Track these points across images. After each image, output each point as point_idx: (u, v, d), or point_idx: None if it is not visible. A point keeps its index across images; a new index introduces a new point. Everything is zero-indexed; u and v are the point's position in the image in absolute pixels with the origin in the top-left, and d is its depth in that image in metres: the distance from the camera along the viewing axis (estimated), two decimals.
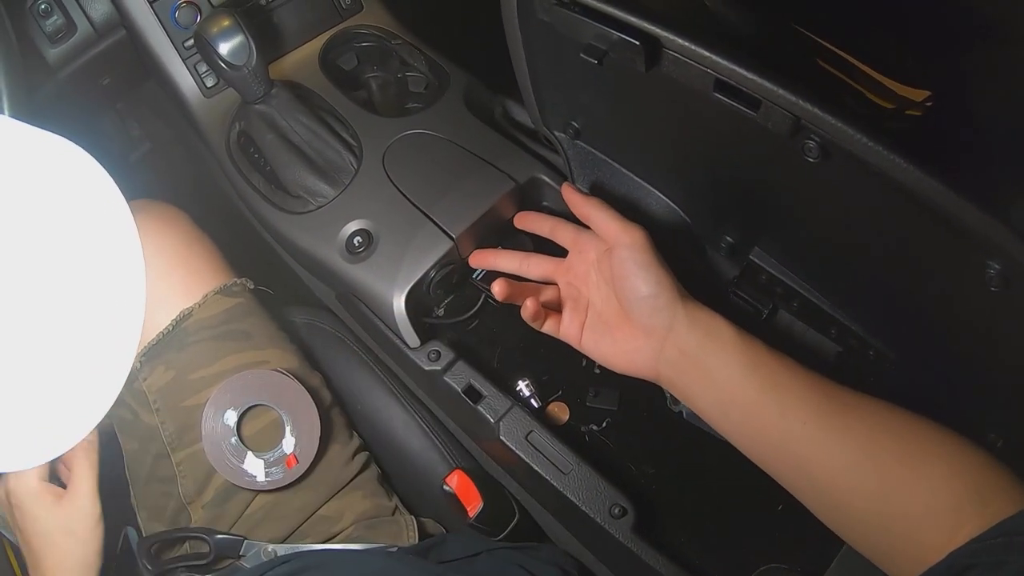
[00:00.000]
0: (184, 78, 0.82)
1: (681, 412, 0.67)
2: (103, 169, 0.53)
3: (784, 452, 0.51)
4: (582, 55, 0.51)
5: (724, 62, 0.47)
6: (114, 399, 0.53)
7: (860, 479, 0.47)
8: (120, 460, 0.75)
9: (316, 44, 0.85)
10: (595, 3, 0.50)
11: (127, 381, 0.72)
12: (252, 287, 0.78)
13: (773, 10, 0.90)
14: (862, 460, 0.47)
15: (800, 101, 0.45)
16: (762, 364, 0.52)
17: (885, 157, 0.44)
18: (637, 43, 0.48)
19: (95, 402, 0.51)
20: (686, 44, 0.47)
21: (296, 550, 0.68)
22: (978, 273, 0.46)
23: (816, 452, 0.49)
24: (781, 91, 0.46)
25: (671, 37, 0.48)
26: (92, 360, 0.51)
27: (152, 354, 0.73)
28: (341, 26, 0.87)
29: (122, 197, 0.54)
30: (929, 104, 0.91)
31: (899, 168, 0.44)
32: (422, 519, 0.74)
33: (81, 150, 0.52)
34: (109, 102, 1.09)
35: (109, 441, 0.77)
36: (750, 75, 0.46)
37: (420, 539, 0.71)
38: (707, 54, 0.47)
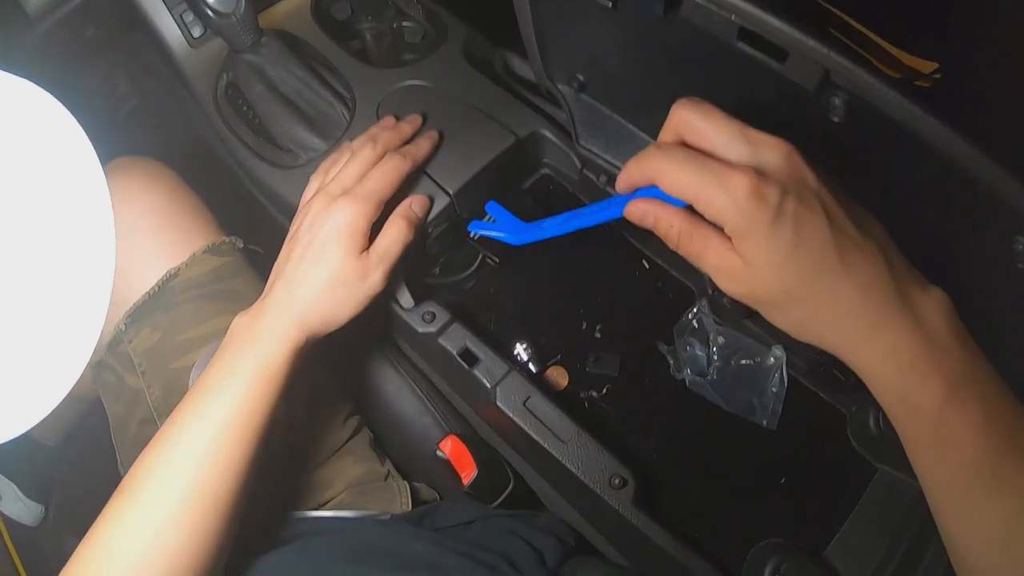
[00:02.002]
0: (169, 28, 0.78)
1: (684, 380, 0.65)
2: (68, 113, 0.50)
3: (932, 508, 0.45)
4: None
5: (751, 8, 0.43)
6: (85, 362, 0.50)
7: (984, 557, 0.42)
8: (107, 427, 0.73)
9: None
10: None
11: (112, 344, 0.70)
12: (241, 246, 0.76)
13: None
14: (995, 542, 0.42)
15: (831, 53, 0.42)
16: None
17: (918, 116, 0.42)
18: None
19: (63, 367, 0.49)
20: None
21: (288, 517, 0.66)
22: (1005, 248, 0.44)
23: (953, 517, 0.43)
24: (811, 42, 0.43)
25: None
26: (59, 319, 0.49)
27: (137, 315, 0.70)
28: None
29: (89, 144, 0.51)
30: (937, 76, 0.89)
31: (932, 128, 0.42)
32: (415, 484, 0.72)
33: (45, 93, 0.49)
34: (94, 56, 1.05)
35: (92, 409, 0.75)
36: (778, 23, 0.43)
37: (413, 505, 0.69)
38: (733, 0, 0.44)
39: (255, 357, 0.56)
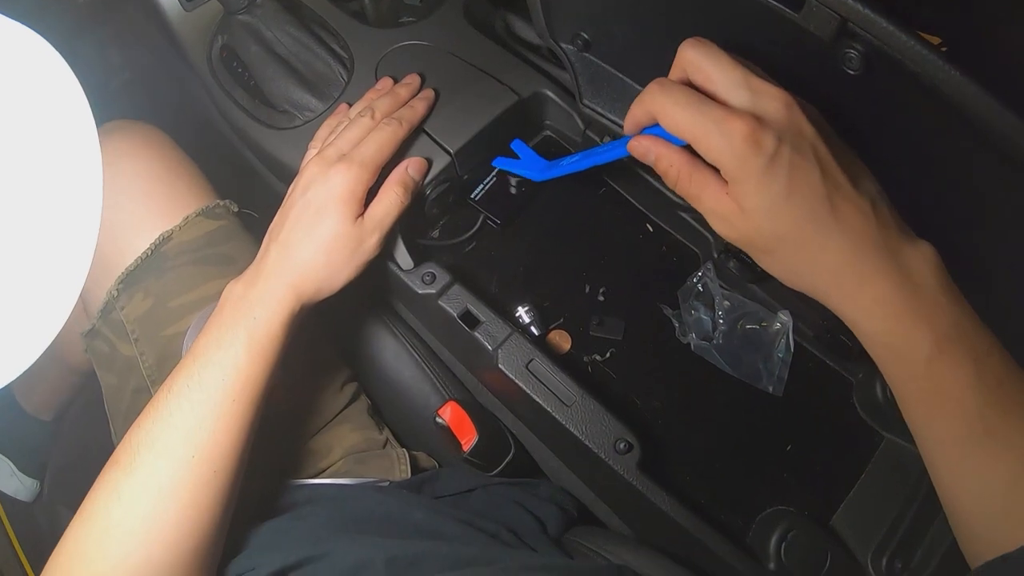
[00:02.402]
0: None
1: (689, 344, 0.63)
2: (64, 62, 0.48)
3: (928, 466, 0.46)
4: None
5: None
6: (68, 311, 0.49)
7: (980, 512, 0.43)
8: (100, 399, 0.72)
9: None
10: None
11: (104, 311, 0.69)
12: (236, 209, 0.74)
13: None
14: (990, 498, 0.42)
15: (848, 0, 0.41)
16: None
17: (939, 67, 0.40)
18: None
19: (46, 317, 0.47)
20: None
21: (286, 485, 0.65)
22: None
23: (950, 470, 0.44)
24: None
25: None
26: (42, 265, 0.47)
27: (130, 280, 0.69)
28: None
29: (82, 93, 0.49)
30: (942, 50, 0.88)
31: (953, 81, 0.40)
32: (414, 452, 0.71)
33: (42, 41, 0.47)
34: (87, 25, 1.03)
35: (86, 381, 0.74)
36: None
37: (413, 473, 0.68)
38: None
39: (250, 324, 0.55)
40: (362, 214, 0.59)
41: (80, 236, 0.48)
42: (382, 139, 0.61)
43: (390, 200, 0.60)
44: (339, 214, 0.58)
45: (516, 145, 0.67)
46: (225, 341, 0.54)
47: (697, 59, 0.43)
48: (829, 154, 0.41)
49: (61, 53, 1.13)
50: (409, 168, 0.62)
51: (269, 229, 0.61)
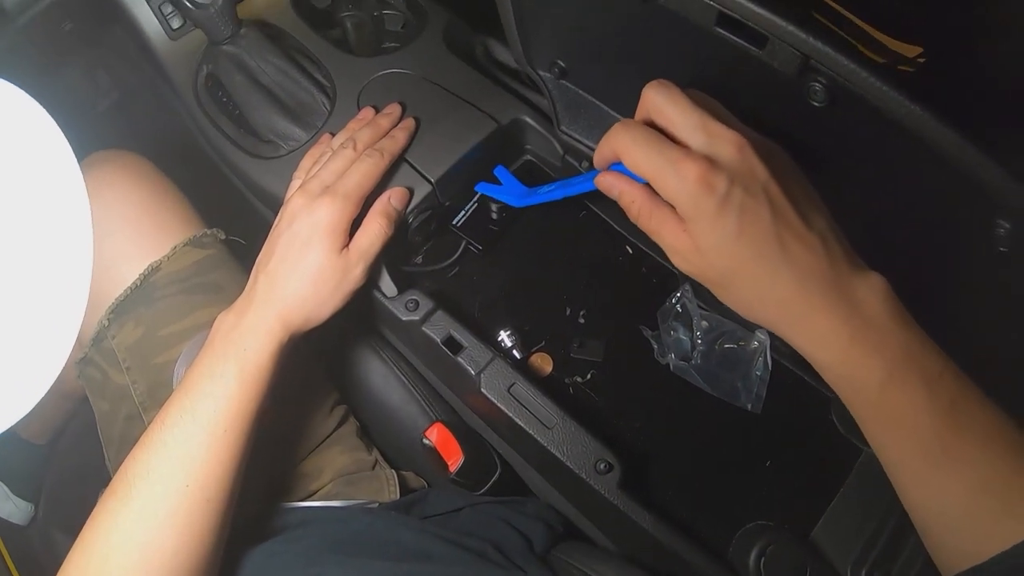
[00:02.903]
0: (148, 19, 0.78)
1: (668, 365, 0.65)
2: (41, 108, 0.50)
3: (893, 484, 0.48)
4: None
5: None
6: (65, 357, 0.50)
7: (945, 527, 0.45)
8: (93, 425, 0.73)
9: None
10: None
11: (95, 340, 0.70)
12: (223, 238, 0.75)
13: None
14: (954, 513, 0.44)
15: (810, 39, 0.42)
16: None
17: (899, 103, 0.42)
18: None
19: (44, 363, 0.49)
20: None
21: (277, 508, 0.66)
22: (987, 231, 0.44)
23: (913, 490, 0.46)
24: (790, 27, 0.43)
25: None
26: (38, 315, 0.48)
27: (120, 310, 0.70)
28: None
29: (64, 139, 0.51)
30: (921, 60, 0.89)
31: (914, 116, 0.42)
32: (403, 472, 0.72)
33: (16, 89, 0.49)
34: (74, 49, 1.04)
35: (79, 406, 0.75)
36: (757, 9, 0.43)
37: (402, 494, 0.70)
38: None
39: (240, 355, 0.56)
40: (347, 245, 0.60)
41: (73, 279, 0.50)
42: (364, 170, 0.62)
43: (374, 231, 0.61)
44: (324, 246, 0.59)
45: (499, 171, 0.69)
46: (216, 372, 0.56)
47: (658, 102, 0.45)
48: (781, 194, 0.43)
49: (48, 78, 1.14)
50: (392, 199, 0.64)
51: (257, 261, 0.62)
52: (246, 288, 0.61)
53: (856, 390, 0.44)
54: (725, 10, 0.44)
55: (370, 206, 0.63)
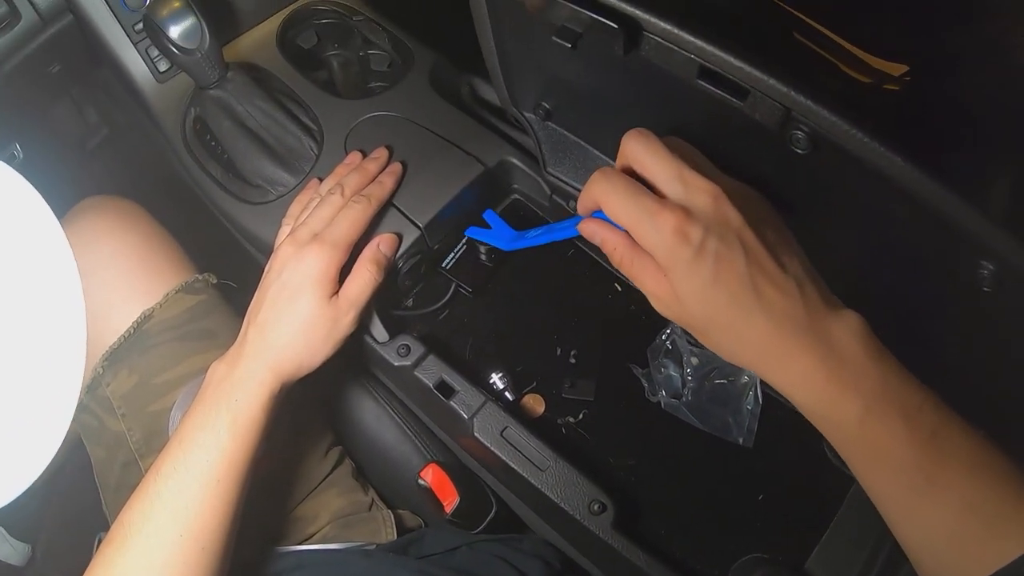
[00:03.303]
0: (135, 63, 0.78)
1: (660, 402, 0.65)
2: (18, 176, 0.50)
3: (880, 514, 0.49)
4: (554, 38, 0.48)
5: (710, 48, 0.44)
6: (66, 428, 0.51)
7: (935, 554, 0.46)
8: (89, 469, 0.73)
9: (274, 22, 0.81)
10: None
11: (90, 387, 0.70)
12: (215, 282, 0.76)
13: None
14: (941, 541, 0.45)
15: (791, 92, 0.43)
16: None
17: (879, 154, 0.42)
18: (616, 26, 0.45)
19: (46, 436, 0.50)
20: (669, 28, 0.44)
21: (273, 552, 0.66)
22: (971, 273, 0.44)
23: (900, 520, 0.47)
24: (771, 80, 0.43)
25: (653, 20, 0.45)
26: (37, 390, 0.49)
27: (114, 358, 0.70)
28: (300, 2, 0.83)
29: (53, 216, 0.51)
30: (907, 79, 0.90)
31: (895, 165, 0.42)
32: (400, 512, 0.72)
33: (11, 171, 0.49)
34: (63, 89, 1.05)
35: (76, 450, 0.76)
36: (738, 63, 0.43)
37: (398, 534, 0.70)
38: (692, 39, 0.44)
39: (232, 406, 0.57)
40: (337, 292, 0.61)
41: (68, 351, 0.50)
42: (352, 217, 0.63)
43: (364, 278, 0.62)
44: (314, 295, 0.59)
45: (488, 215, 0.69)
46: (208, 423, 0.57)
47: (637, 152, 0.47)
48: (756, 241, 0.44)
49: (39, 122, 1.14)
50: (381, 245, 0.64)
51: (249, 310, 0.62)
52: (238, 337, 0.61)
53: (836, 427, 0.45)
54: (706, 64, 0.45)
55: (359, 252, 0.63)
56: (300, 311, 0.59)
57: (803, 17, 0.95)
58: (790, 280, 0.44)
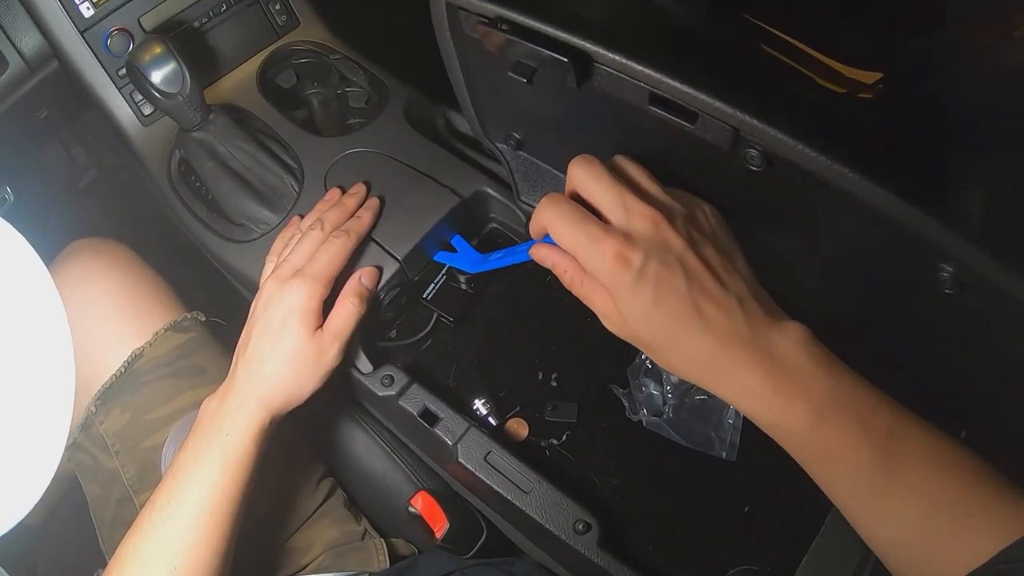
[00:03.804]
0: (120, 107, 0.80)
1: (641, 421, 0.66)
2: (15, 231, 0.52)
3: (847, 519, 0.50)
4: (511, 73, 0.50)
5: (658, 75, 0.45)
6: (55, 467, 0.53)
7: (904, 553, 0.47)
8: (86, 505, 0.74)
9: (254, 64, 0.83)
10: (521, 20, 0.48)
11: (84, 426, 0.72)
12: (204, 319, 0.77)
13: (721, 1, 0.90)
14: (907, 539, 0.46)
15: (738, 113, 0.44)
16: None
17: (830, 167, 0.44)
18: (566, 60, 0.47)
19: (30, 477, 0.51)
20: (618, 58, 0.46)
21: None
22: (931, 276, 0.45)
23: (863, 521, 0.48)
24: (718, 103, 0.44)
25: (602, 52, 0.46)
26: (23, 430, 0.51)
27: (106, 397, 0.72)
28: (278, 43, 0.85)
29: (40, 260, 0.53)
30: (881, 86, 0.91)
31: (844, 178, 0.44)
32: (392, 540, 0.73)
33: None
34: (51, 132, 1.07)
35: (72, 487, 0.77)
36: (685, 88, 0.45)
37: (391, 562, 0.71)
38: (640, 68, 0.46)
39: (223, 441, 0.59)
40: (321, 326, 0.62)
41: (57, 393, 0.52)
42: (333, 252, 0.64)
43: (347, 311, 0.63)
44: (299, 329, 0.61)
45: (456, 241, 0.72)
46: (201, 457, 0.58)
47: (582, 179, 0.49)
48: (697, 262, 0.46)
49: (29, 164, 1.16)
50: (362, 278, 0.65)
51: (237, 346, 0.64)
52: (229, 373, 0.63)
53: (788, 435, 0.47)
54: (655, 90, 0.46)
55: (342, 286, 0.65)
56: (286, 345, 0.61)
57: (774, 31, 0.97)
58: (731, 298, 0.46)
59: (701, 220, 0.49)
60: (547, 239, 0.52)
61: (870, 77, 0.99)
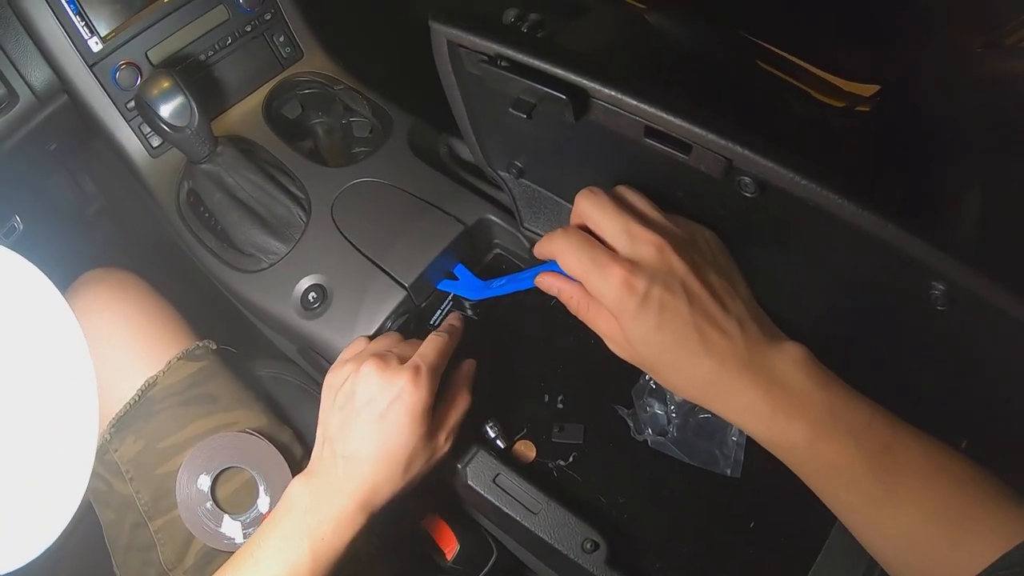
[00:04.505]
0: (129, 140, 0.82)
1: (646, 440, 0.68)
2: (31, 266, 0.53)
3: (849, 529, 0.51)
4: (511, 110, 0.51)
5: (652, 109, 0.47)
6: (78, 501, 0.54)
7: (906, 561, 0.48)
8: (99, 530, 0.76)
9: (259, 95, 0.85)
10: (519, 58, 0.50)
11: (98, 453, 0.73)
12: (215, 348, 0.79)
13: (718, 21, 0.91)
14: (908, 548, 0.47)
15: (730, 144, 0.46)
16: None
17: (820, 194, 0.45)
18: (564, 97, 0.48)
19: (56, 506, 0.52)
20: (614, 94, 0.48)
21: None
22: (923, 294, 0.47)
23: (865, 531, 0.49)
24: (711, 135, 0.46)
25: (598, 87, 0.48)
26: (50, 460, 0.52)
27: (120, 425, 0.73)
28: (283, 75, 0.87)
29: (57, 292, 0.54)
30: (879, 99, 0.92)
31: (835, 203, 0.45)
32: (404, 563, 0.74)
33: (8, 252, 0.52)
34: (60, 163, 1.09)
35: (86, 512, 0.78)
36: (678, 121, 0.46)
37: None
38: (635, 103, 0.47)
39: (316, 543, 0.56)
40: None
41: (81, 426, 0.53)
42: (443, 347, 0.62)
43: (462, 405, 0.63)
44: (414, 429, 0.58)
45: (458, 269, 0.73)
46: (287, 550, 0.56)
47: (588, 210, 0.51)
48: (700, 286, 0.49)
49: (37, 193, 1.17)
50: (468, 368, 0.66)
51: (325, 425, 0.61)
52: (323, 462, 0.59)
53: (787, 451, 0.48)
54: (651, 124, 0.48)
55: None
56: (396, 444, 0.58)
57: (773, 49, 0.99)
58: (732, 321, 0.48)
59: (702, 245, 0.52)
60: (551, 266, 0.54)
61: (868, 90, 1.01)
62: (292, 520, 0.57)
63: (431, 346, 0.62)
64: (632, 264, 0.48)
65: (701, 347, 0.48)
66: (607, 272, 0.48)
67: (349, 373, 0.60)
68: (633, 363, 0.51)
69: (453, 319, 0.69)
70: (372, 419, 0.58)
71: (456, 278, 0.73)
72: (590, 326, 0.52)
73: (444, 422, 0.61)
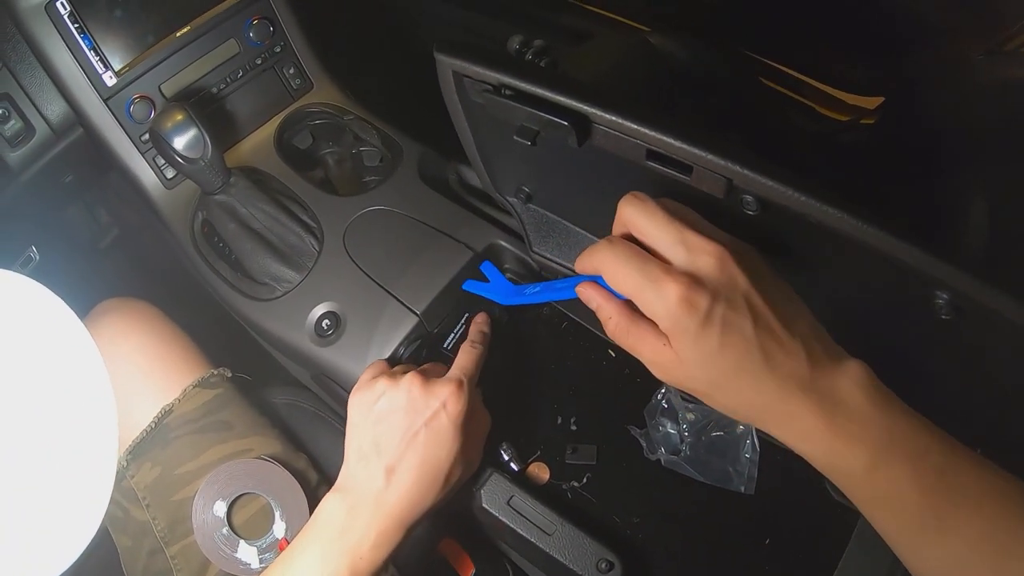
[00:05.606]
0: (144, 171, 0.84)
1: (659, 460, 0.68)
2: (54, 296, 0.54)
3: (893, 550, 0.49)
4: (516, 137, 0.52)
5: (653, 133, 0.48)
6: (96, 527, 0.54)
7: None
8: (115, 556, 0.76)
9: (271, 127, 0.87)
10: (521, 86, 0.51)
11: (115, 479, 0.74)
12: (230, 375, 0.80)
13: (720, 41, 0.93)
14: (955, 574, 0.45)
15: (730, 164, 0.46)
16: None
17: (820, 209, 0.45)
18: (566, 123, 0.49)
19: (75, 532, 0.53)
20: (614, 119, 0.48)
21: None
22: (928, 304, 0.47)
23: (910, 557, 0.47)
24: (711, 156, 0.46)
25: (599, 113, 0.49)
26: (71, 485, 0.53)
27: (137, 452, 0.74)
28: (293, 106, 0.88)
29: (78, 320, 0.55)
30: (883, 111, 0.93)
31: (835, 218, 0.45)
32: None
33: (31, 282, 0.54)
34: (75, 194, 1.11)
35: (102, 538, 0.79)
36: (679, 143, 0.47)
37: None
38: (636, 127, 0.48)
39: (355, 562, 0.56)
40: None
41: (101, 454, 0.54)
42: (477, 357, 0.64)
43: (488, 419, 0.65)
44: (454, 439, 0.58)
45: (486, 267, 0.72)
46: (326, 571, 0.55)
47: (634, 217, 0.47)
48: (763, 302, 0.44)
49: (53, 223, 1.19)
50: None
51: (358, 445, 0.60)
52: (358, 474, 0.59)
53: (844, 476, 0.45)
54: (652, 147, 0.48)
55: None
56: (436, 455, 0.57)
57: (777, 65, 1.00)
58: (796, 340, 0.44)
59: (756, 258, 0.47)
60: (591, 276, 0.50)
61: (872, 102, 1.02)
62: (328, 538, 0.56)
63: (468, 358, 0.62)
64: (690, 278, 0.43)
65: (765, 369, 0.44)
66: (662, 288, 0.43)
67: (385, 389, 0.60)
68: (680, 387, 0.47)
69: (482, 324, 0.68)
70: (416, 430, 0.58)
71: (485, 279, 0.72)
72: (629, 351, 0.48)
73: (478, 435, 0.62)
